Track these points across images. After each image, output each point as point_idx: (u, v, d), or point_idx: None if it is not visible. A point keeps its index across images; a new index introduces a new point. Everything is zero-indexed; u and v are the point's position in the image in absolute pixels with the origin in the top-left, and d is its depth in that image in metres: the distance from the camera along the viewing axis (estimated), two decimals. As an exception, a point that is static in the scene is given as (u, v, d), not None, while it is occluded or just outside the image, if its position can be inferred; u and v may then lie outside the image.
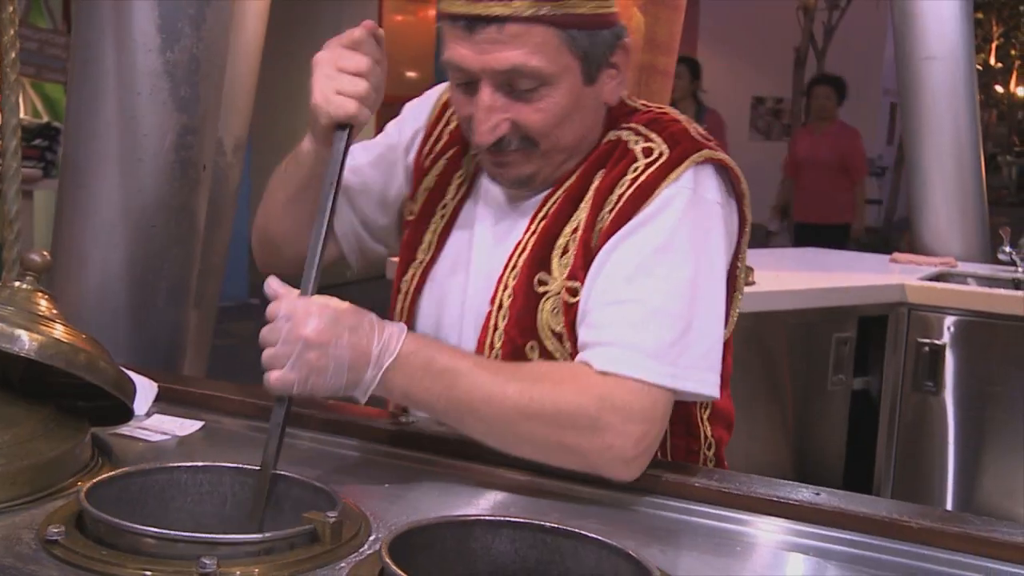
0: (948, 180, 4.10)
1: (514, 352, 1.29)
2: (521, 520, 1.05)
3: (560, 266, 1.28)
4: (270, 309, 1.14)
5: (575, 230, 1.28)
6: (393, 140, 1.49)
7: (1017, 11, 19.05)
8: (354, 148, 1.39)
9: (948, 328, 3.14)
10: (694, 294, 1.22)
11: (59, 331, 1.19)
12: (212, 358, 2.85)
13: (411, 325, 1.40)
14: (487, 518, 1.06)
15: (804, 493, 1.19)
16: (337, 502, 1.05)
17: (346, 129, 1.25)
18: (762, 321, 2.98)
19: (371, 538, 1.04)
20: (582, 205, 1.29)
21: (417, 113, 1.50)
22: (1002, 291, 3.30)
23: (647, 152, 1.28)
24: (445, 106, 1.45)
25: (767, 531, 1.15)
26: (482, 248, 1.36)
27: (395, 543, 0.94)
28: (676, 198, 1.25)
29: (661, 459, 1.33)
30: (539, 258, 1.29)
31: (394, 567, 0.89)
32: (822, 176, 6.26)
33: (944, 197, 4.10)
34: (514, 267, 1.30)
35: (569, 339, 1.26)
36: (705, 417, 1.39)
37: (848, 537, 1.12)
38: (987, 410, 3.13)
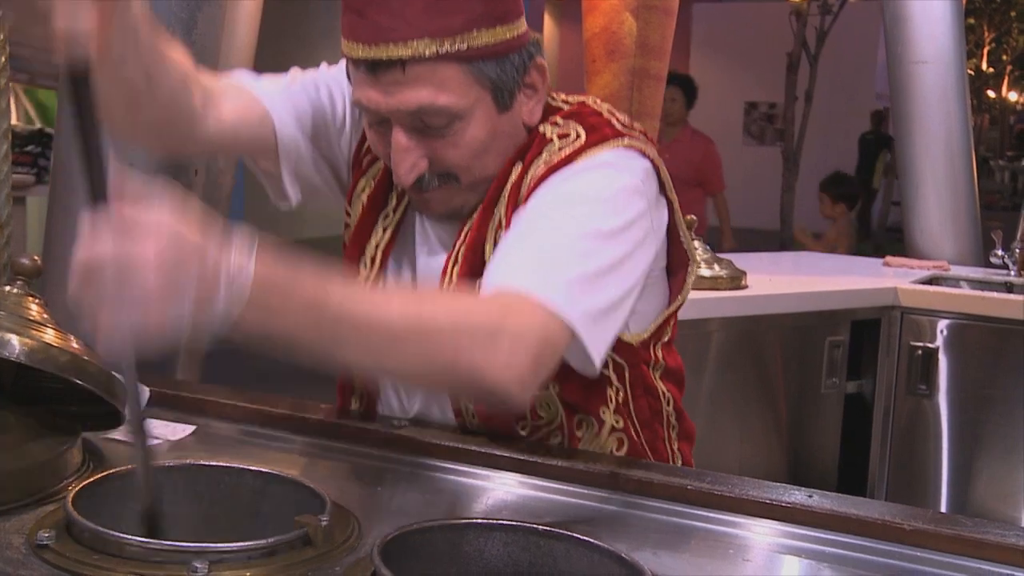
0: (940, 184, 4.12)
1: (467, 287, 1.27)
2: (513, 523, 1.04)
3: (491, 244, 1.27)
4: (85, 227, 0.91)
5: (498, 227, 1.26)
6: (323, 106, 1.39)
7: (1008, 16, 19.13)
8: (292, 77, 1.36)
9: (941, 331, 3.15)
10: (608, 250, 1.18)
11: (49, 335, 1.18)
12: (207, 363, 2.84)
13: None
14: (479, 521, 1.06)
15: (797, 495, 1.19)
16: (328, 505, 1.05)
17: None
18: (755, 325, 2.98)
19: (363, 541, 1.04)
20: (501, 200, 1.27)
21: (342, 95, 1.39)
22: (995, 294, 3.31)
23: (563, 136, 1.27)
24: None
25: (760, 534, 1.15)
26: (422, 261, 1.36)
27: (388, 546, 0.94)
28: (595, 166, 1.23)
29: (627, 436, 1.36)
30: (473, 267, 1.27)
31: (387, 571, 0.89)
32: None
33: (936, 201, 4.11)
34: (450, 280, 1.29)
35: None
36: (658, 376, 1.42)
37: (841, 539, 1.12)
38: (980, 413, 3.14)
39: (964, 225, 4.13)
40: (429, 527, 1.02)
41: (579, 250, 1.17)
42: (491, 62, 1.21)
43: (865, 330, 3.23)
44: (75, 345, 1.20)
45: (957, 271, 3.80)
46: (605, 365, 1.26)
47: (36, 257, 1.27)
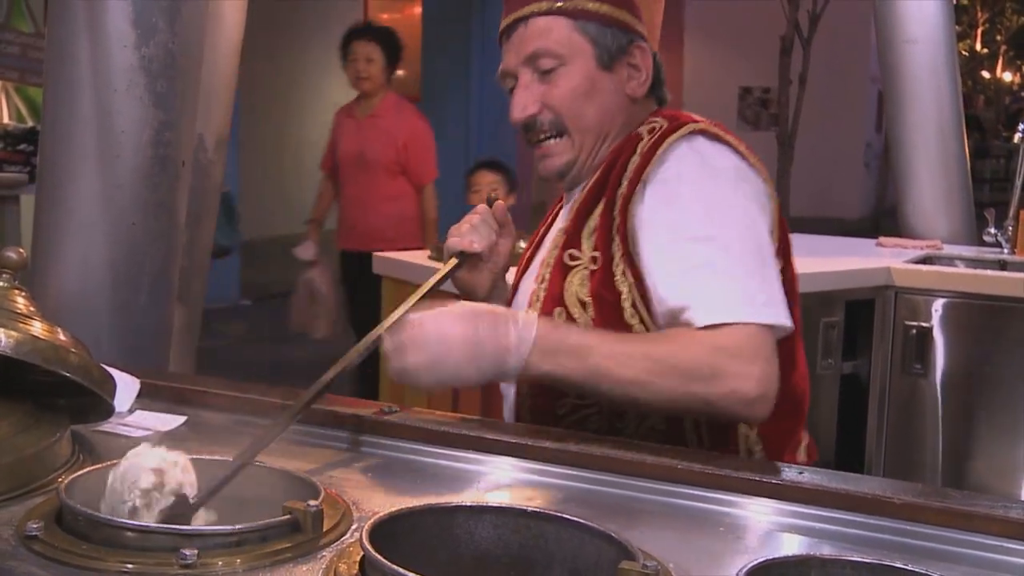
0: (932, 163, 4.11)
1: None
2: (503, 505, 1.05)
3: (588, 243, 1.45)
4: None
5: (599, 212, 1.45)
6: None
7: (1001, -4, 19.10)
8: None
9: (935, 310, 3.15)
10: (744, 246, 1.34)
11: (36, 328, 1.18)
12: (203, 358, 2.84)
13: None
14: (469, 504, 1.06)
15: (787, 473, 1.19)
16: (318, 491, 1.04)
17: (460, 257, 1.53)
18: (750, 307, 2.97)
19: (353, 527, 1.04)
20: (605, 189, 1.45)
21: None
22: (988, 272, 3.31)
23: (651, 131, 1.46)
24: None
25: (752, 511, 1.15)
26: (546, 244, 1.58)
27: (376, 530, 0.93)
28: (688, 159, 1.39)
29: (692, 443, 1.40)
30: (572, 238, 1.47)
31: (374, 554, 0.89)
32: (371, 179, 4.19)
33: (929, 180, 4.11)
34: (555, 248, 1.50)
35: (593, 307, 1.41)
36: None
37: (832, 515, 1.12)
38: (975, 391, 3.14)
39: (957, 204, 4.12)
40: (418, 510, 1.02)
41: (736, 262, 1.32)
42: (593, 24, 1.48)
43: (860, 310, 3.23)
44: (62, 338, 1.20)
45: (950, 250, 3.79)
46: None
47: (22, 250, 1.27)
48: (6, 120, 6.99)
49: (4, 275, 1.23)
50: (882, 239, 3.88)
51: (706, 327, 1.28)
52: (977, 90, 21.43)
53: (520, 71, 1.49)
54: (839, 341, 3.15)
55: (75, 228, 1.72)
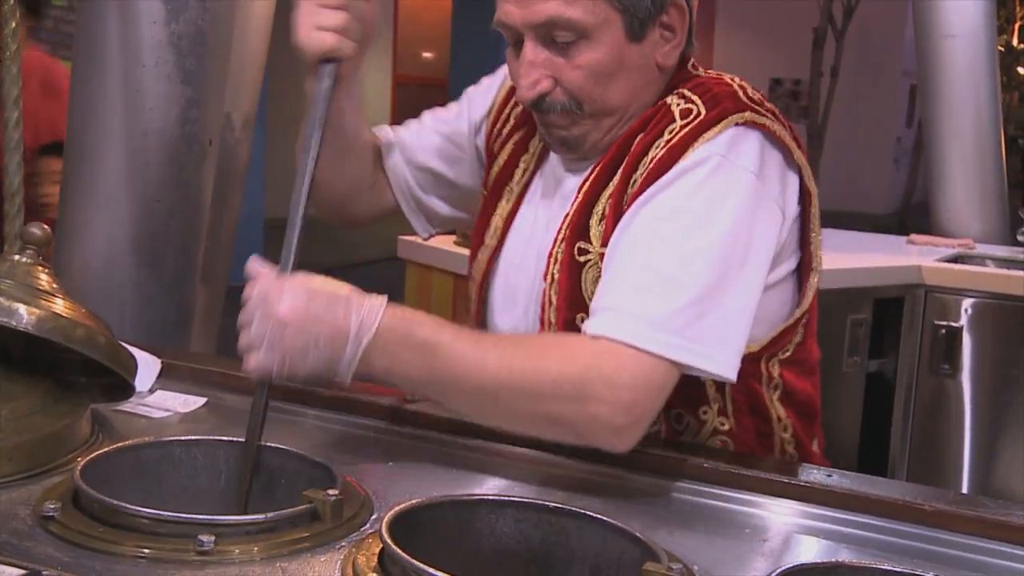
0: (967, 161, 4.04)
1: (567, 326, 1.26)
2: (525, 500, 1.03)
3: (597, 233, 1.25)
4: (245, 291, 1.12)
5: (610, 196, 1.25)
6: (457, 127, 1.49)
7: (1040, -9, 18.79)
8: (425, 113, 1.46)
9: (965, 310, 3.10)
10: (709, 264, 1.15)
11: (59, 305, 1.17)
12: (225, 337, 2.83)
13: (483, 312, 1.41)
14: (491, 497, 1.04)
15: (815, 475, 1.16)
16: (338, 480, 1.03)
17: (330, 63, 1.24)
18: (776, 302, 2.94)
19: (372, 517, 1.03)
20: (619, 170, 1.26)
21: (483, 98, 1.48)
22: (1020, 273, 3.25)
23: (685, 113, 1.23)
24: (511, 89, 1.42)
25: (777, 513, 1.13)
26: (541, 226, 1.35)
27: (395, 522, 0.92)
28: (706, 161, 1.19)
29: (732, 441, 1.30)
30: (580, 227, 1.27)
31: (394, 546, 0.87)
32: None
33: (963, 178, 4.05)
34: (562, 240, 1.28)
35: None
36: (775, 398, 1.33)
37: (860, 520, 1.10)
38: (1004, 393, 3.09)
39: (991, 203, 4.06)
40: (439, 503, 1.00)
41: (681, 279, 1.14)
42: None
43: (888, 308, 3.18)
44: (84, 316, 1.19)
45: (983, 249, 3.74)
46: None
47: (46, 226, 1.26)
48: (36, 93, 7.02)
49: (28, 251, 1.22)
50: (913, 236, 3.82)
51: (594, 338, 1.13)
52: (1012, 86, 21.14)
53: (527, 35, 1.23)
54: (866, 339, 3.11)
55: (100, 205, 1.71)
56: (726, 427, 1.30)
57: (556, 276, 1.28)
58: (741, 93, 1.25)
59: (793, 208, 1.26)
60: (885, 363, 3.24)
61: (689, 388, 1.23)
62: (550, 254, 1.29)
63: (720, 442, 1.31)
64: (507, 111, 1.44)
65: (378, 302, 1.12)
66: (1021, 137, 20.54)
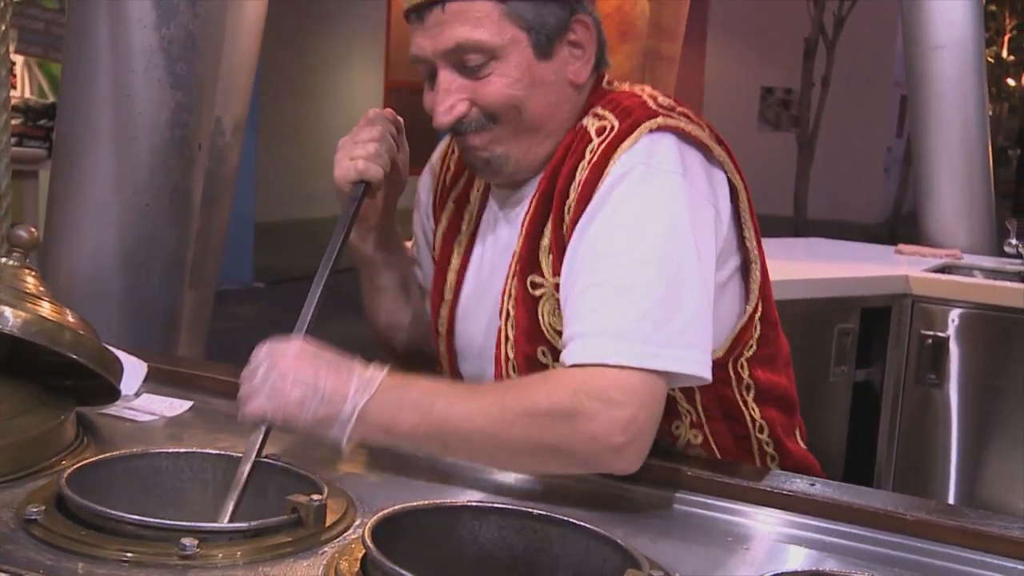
0: (955, 171, 4.06)
1: (527, 361, 1.29)
2: (508, 507, 1.03)
3: (547, 264, 1.27)
4: (254, 353, 1.15)
5: (551, 226, 1.27)
6: (418, 217, 1.55)
7: (1030, 4, 18.89)
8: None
9: (952, 320, 3.11)
10: (658, 269, 1.17)
11: (45, 308, 1.17)
12: (216, 341, 2.83)
13: (453, 364, 1.44)
14: (474, 504, 1.04)
15: (798, 484, 1.17)
16: (322, 486, 1.03)
17: (359, 185, 1.33)
18: (764, 311, 2.95)
19: (356, 523, 1.03)
20: (553, 199, 1.28)
21: (426, 176, 1.54)
22: (1007, 284, 3.27)
23: (600, 131, 1.26)
24: (447, 149, 1.49)
25: (760, 521, 1.14)
26: (490, 270, 1.38)
27: (378, 527, 0.92)
28: (630, 172, 1.21)
29: (707, 453, 1.32)
30: (529, 261, 1.29)
31: (376, 551, 0.87)
32: None
33: (951, 188, 4.06)
34: (513, 275, 1.31)
35: None
36: (749, 399, 1.34)
37: (842, 529, 1.10)
38: (990, 404, 3.11)
39: (978, 213, 4.08)
40: (423, 509, 1.00)
41: (633, 289, 1.16)
42: (526, 4, 1.25)
43: (875, 318, 3.19)
44: (70, 319, 1.19)
45: (970, 260, 3.75)
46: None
47: (33, 229, 1.26)
48: (27, 95, 7.02)
49: (15, 254, 1.22)
50: (901, 246, 3.84)
51: (575, 366, 1.15)
52: (1002, 97, 21.25)
53: (439, 64, 1.26)
54: (853, 348, 3.12)
55: (89, 208, 1.71)
56: (699, 440, 1.32)
57: (512, 312, 1.30)
58: (651, 101, 1.28)
59: (726, 205, 1.28)
60: (872, 373, 3.26)
61: None
62: (503, 292, 1.32)
63: (694, 454, 1.32)
64: (444, 170, 1.49)
65: (379, 369, 1.16)
66: (1011, 148, 20.67)
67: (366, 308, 1.52)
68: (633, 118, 1.24)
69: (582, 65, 1.30)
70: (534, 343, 1.28)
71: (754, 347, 1.34)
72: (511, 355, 1.30)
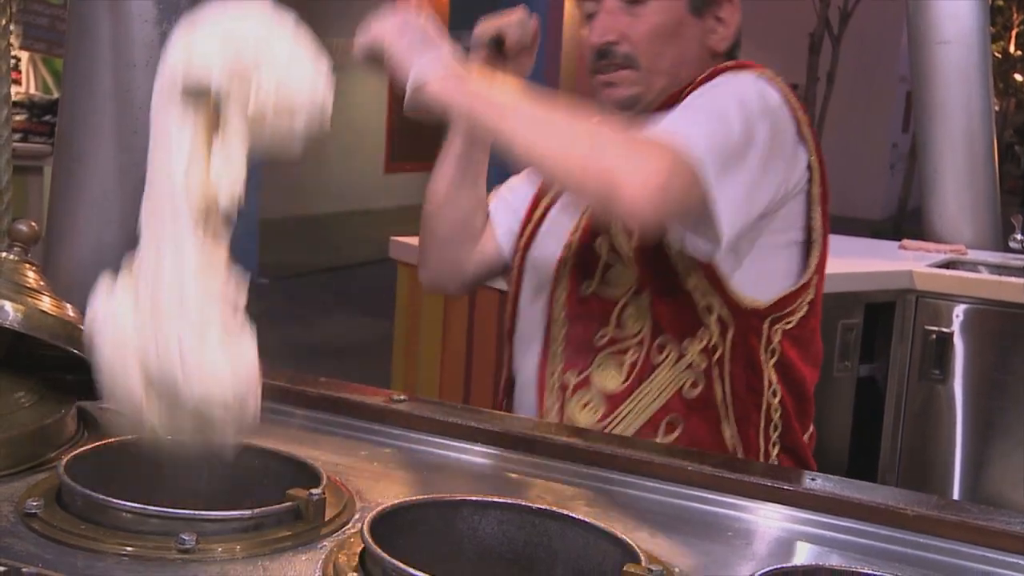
0: (959, 167, 4.05)
1: (583, 249, 1.42)
2: (508, 501, 1.03)
3: None
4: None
5: None
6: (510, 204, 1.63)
7: (1038, -2, 18.82)
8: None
9: (957, 316, 3.11)
10: (742, 124, 1.27)
11: (45, 303, 1.17)
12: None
13: (519, 281, 1.54)
14: (473, 499, 1.04)
15: (800, 479, 1.17)
16: (321, 479, 1.03)
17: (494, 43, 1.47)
18: (768, 306, 2.94)
19: (355, 517, 1.03)
20: None
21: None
22: (1012, 279, 3.26)
23: (712, 73, 1.40)
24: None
25: (762, 517, 1.13)
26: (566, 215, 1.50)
27: (377, 522, 0.92)
28: (736, 74, 1.37)
29: (723, 395, 1.37)
30: None
31: (375, 546, 0.87)
32: None
33: (955, 184, 4.05)
34: (588, 210, 1.43)
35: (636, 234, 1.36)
36: (770, 363, 1.39)
37: (844, 524, 1.10)
38: (995, 399, 3.10)
39: (983, 209, 4.06)
40: (422, 503, 1.00)
41: (719, 111, 1.28)
42: None
43: (879, 313, 3.19)
44: (70, 313, 1.19)
45: (975, 255, 3.74)
46: (708, 310, 1.33)
47: (34, 223, 1.26)
48: (32, 91, 7.03)
49: (16, 248, 1.22)
50: (905, 242, 3.83)
51: (650, 133, 1.25)
52: (1009, 93, 21.17)
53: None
54: (857, 344, 3.11)
55: (90, 203, 1.70)
56: (703, 366, 1.36)
57: (574, 246, 1.43)
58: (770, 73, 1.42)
59: (798, 176, 1.37)
60: (876, 368, 3.25)
61: (682, 314, 1.35)
62: (574, 227, 1.44)
63: (691, 379, 1.36)
64: None
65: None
66: (1017, 144, 20.60)
67: (433, 172, 1.57)
68: (740, 64, 1.42)
69: (721, 38, 1.46)
70: (593, 233, 1.41)
71: (793, 322, 1.39)
72: (574, 241, 1.43)
